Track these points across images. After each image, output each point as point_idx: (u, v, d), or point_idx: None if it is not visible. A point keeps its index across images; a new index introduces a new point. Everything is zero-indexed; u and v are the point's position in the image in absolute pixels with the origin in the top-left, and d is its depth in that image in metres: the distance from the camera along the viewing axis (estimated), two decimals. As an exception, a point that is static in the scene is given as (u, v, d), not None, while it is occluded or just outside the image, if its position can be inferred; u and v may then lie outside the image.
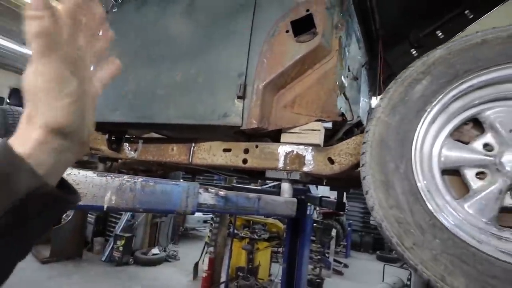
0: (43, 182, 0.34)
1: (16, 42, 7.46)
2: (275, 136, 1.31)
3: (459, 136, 0.86)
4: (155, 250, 6.90)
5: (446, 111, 0.84)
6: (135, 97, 1.54)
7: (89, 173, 0.99)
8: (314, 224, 6.64)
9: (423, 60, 0.88)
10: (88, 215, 7.48)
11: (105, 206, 1.02)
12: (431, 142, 0.84)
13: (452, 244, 0.69)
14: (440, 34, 1.77)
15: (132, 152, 1.89)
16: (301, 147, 1.20)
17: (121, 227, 6.86)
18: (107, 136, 1.87)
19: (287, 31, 1.20)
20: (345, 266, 8.01)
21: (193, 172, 3.36)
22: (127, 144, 1.92)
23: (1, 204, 0.31)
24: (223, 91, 1.27)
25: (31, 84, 0.34)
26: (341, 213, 8.62)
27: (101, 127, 1.79)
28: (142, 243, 7.07)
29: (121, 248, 6.43)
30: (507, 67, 0.77)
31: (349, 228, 9.38)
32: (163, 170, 2.97)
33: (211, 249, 5.79)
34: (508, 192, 0.75)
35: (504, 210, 0.76)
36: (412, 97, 0.85)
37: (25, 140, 0.34)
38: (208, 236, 6.04)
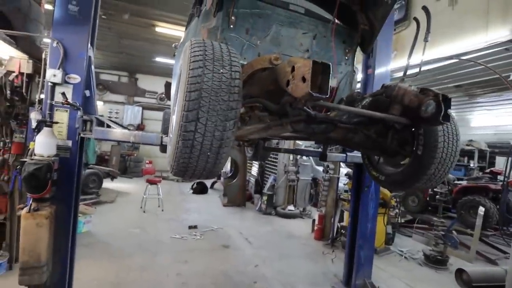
0: None
1: (171, 59, 11.69)
2: None
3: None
4: (290, 207, 8.57)
5: None
6: None
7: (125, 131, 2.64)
8: (437, 196, 5.82)
9: None
10: (250, 178, 10.27)
11: (131, 140, 2.61)
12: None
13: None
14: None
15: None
16: None
17: (267, 187, 9.02)
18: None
19: None
20: None
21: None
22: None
23: None
24: None
25: None
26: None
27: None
28: (283, 201, 8.91)
29: (265, 202, 8.59)
30: None
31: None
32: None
33: (322, 208, 6.68)
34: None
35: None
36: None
37: None
38: (319, 197, 6.92)
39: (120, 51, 12.15)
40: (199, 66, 1.30)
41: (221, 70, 1.33)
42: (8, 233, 3.91)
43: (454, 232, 5.98)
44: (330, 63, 1.28)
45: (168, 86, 4.77)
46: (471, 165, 10.18)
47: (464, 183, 7.94)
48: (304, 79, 1.28)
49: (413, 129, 2.03)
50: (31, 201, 2.48)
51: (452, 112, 1.74)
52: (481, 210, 5.95)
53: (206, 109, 1.27)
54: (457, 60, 5.68)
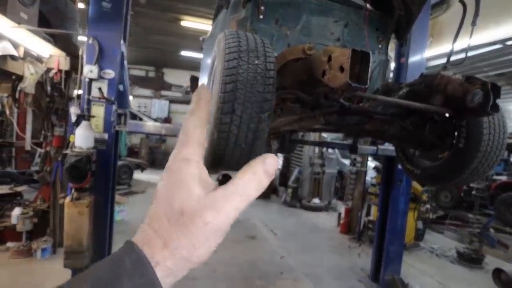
0: None
1: (197, 52, 11.63)
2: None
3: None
4: (315, 200, 8.49)
5: None
6: None
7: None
8: (473, 192, 5.50)
9: None
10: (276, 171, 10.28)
11: (163, 132, 2.69)
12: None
13: None
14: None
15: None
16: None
17: (292, 180, 8.98)
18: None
19: None
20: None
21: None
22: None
23: None
24: None
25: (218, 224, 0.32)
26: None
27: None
28: (308, 194, 8.84)
29: (290, 195, 8.57)
30: None
31: None
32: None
33: (348, 202, 6.56)
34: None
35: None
36: None
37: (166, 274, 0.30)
38: (345, 191, 6.79)
39: (147, 46, 12.47)
40: (234, 57, 1.30)
41: (256, 61, 1.32)
42: (51, 220, 4.21)
43: (491, 230, 5.65)
44: (370, 51, 1.23)
45: (193, 80, 4.84)
46: (512, 159, 9.50)
47: (504, 178, 7.45)
48: (342, 69, 1.24)
49: (454, 121, 1.91)
50: (72, 191, 2.64)
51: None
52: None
53: (242, 101, 1.27)
54: (501, 46, 5.25)
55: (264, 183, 0.35)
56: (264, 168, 0.35)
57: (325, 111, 1.75)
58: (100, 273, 0.30)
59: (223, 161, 1.44)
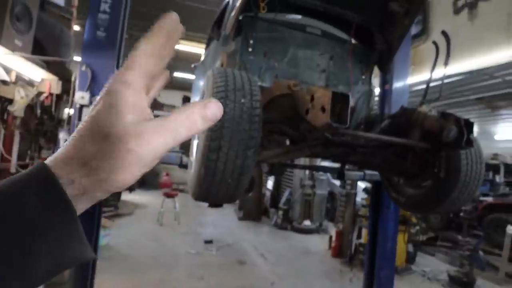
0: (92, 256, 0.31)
1: (186, 73, 11.91)
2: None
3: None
4: (307, 222, 8.43)
5: None
6: None
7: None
8: (461, 214, 5.59)
9: None
10: (266, 192, 10.23)
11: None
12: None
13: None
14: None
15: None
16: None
17: (282, 201, 8.94)
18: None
19: None
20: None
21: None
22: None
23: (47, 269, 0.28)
24: None
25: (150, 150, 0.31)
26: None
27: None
28: (299, 216, 8.79)
29: (281, 217, 8.51)
30: None
31: None
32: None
33: (339, 224, 6.55)
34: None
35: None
36: None
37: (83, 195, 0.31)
38: (336, 213, 6.80)
39: (141, 67, 12.65)
40: (221, 96, 1.36)
41: (242, 100, 1.38)
42: (33, 246, 4.06)
43: (480, 252, 5.69)
44: (349, 94, 1.31)
45: (185, 100, 4.92)
46: (497, 180, 9.72)
47: (490, 199, 7.59)
48: (323, 109, 1.31)
49: (434, 153, 2.00)
50: (58, 218, 2.59)
51: (475, 125, 1.71)
52: (510, 229, 5.66)
53: (228, 138, 1.32)
54: (471, 74, 5.53)
55: (199, 126, 0.34)
56: (202, 113, 0.34)
57: (310, 144, 1.81)
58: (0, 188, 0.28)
59: (209, 195, 1.46)
